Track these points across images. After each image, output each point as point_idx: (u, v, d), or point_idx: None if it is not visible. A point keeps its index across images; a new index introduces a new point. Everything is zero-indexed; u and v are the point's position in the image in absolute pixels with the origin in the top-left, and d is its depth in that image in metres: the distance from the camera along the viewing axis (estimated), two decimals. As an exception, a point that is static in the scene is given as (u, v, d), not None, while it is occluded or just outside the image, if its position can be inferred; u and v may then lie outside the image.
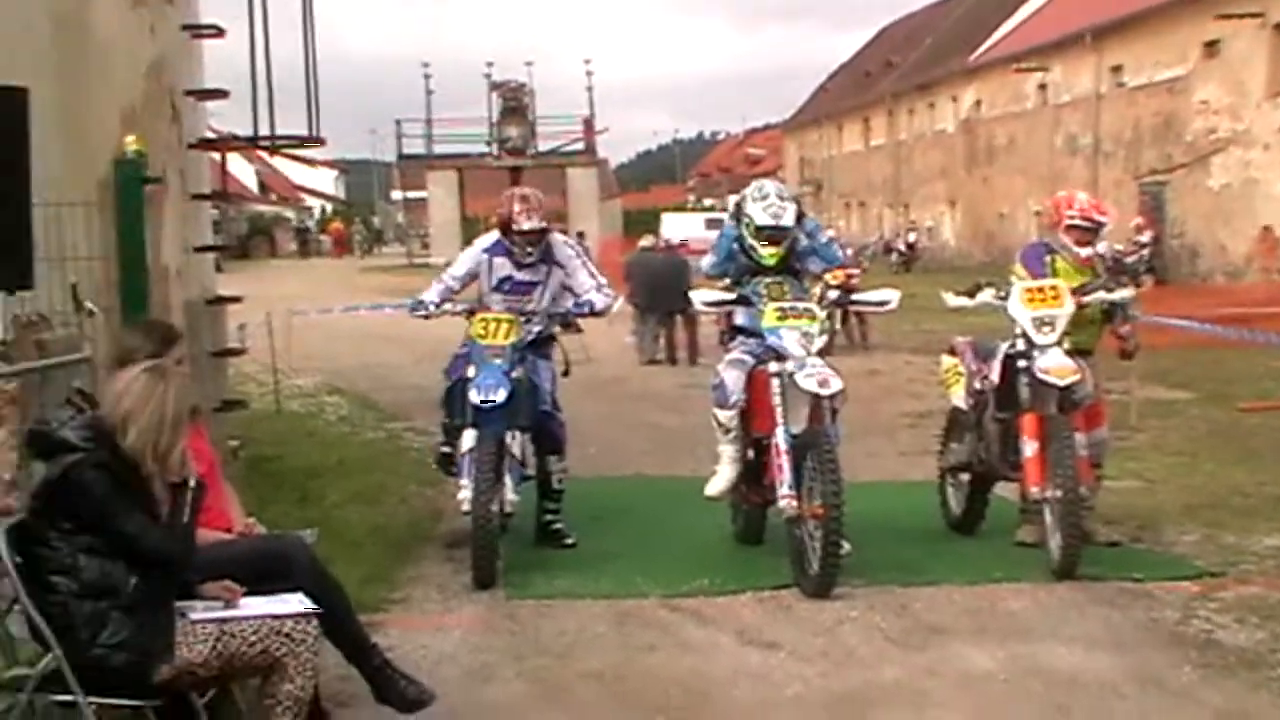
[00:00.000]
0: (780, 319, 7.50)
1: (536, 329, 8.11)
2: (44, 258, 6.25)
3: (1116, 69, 39.13)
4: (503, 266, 8.17)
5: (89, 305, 7.04)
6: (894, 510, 9.17)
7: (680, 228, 47.93)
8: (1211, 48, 33.67)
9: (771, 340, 7.49)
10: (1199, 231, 34.06)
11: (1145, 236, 31.63)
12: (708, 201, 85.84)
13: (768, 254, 7.76)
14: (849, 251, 22.32)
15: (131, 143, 7.92)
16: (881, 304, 8.14)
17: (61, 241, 6.91)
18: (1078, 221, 8.15)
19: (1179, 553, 8.00)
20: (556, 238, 8.43)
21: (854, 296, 8.07)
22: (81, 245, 7.20)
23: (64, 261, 6.96)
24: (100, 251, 7.52)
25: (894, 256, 48.60)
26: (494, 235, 8.30)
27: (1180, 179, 35.03)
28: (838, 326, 8.14)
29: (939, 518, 8.77)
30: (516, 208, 8.09)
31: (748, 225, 7.77)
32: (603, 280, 8.35)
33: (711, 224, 56.87)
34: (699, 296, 7.95)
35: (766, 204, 7.77)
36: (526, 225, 8.05)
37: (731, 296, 7.77)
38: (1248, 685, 5.64)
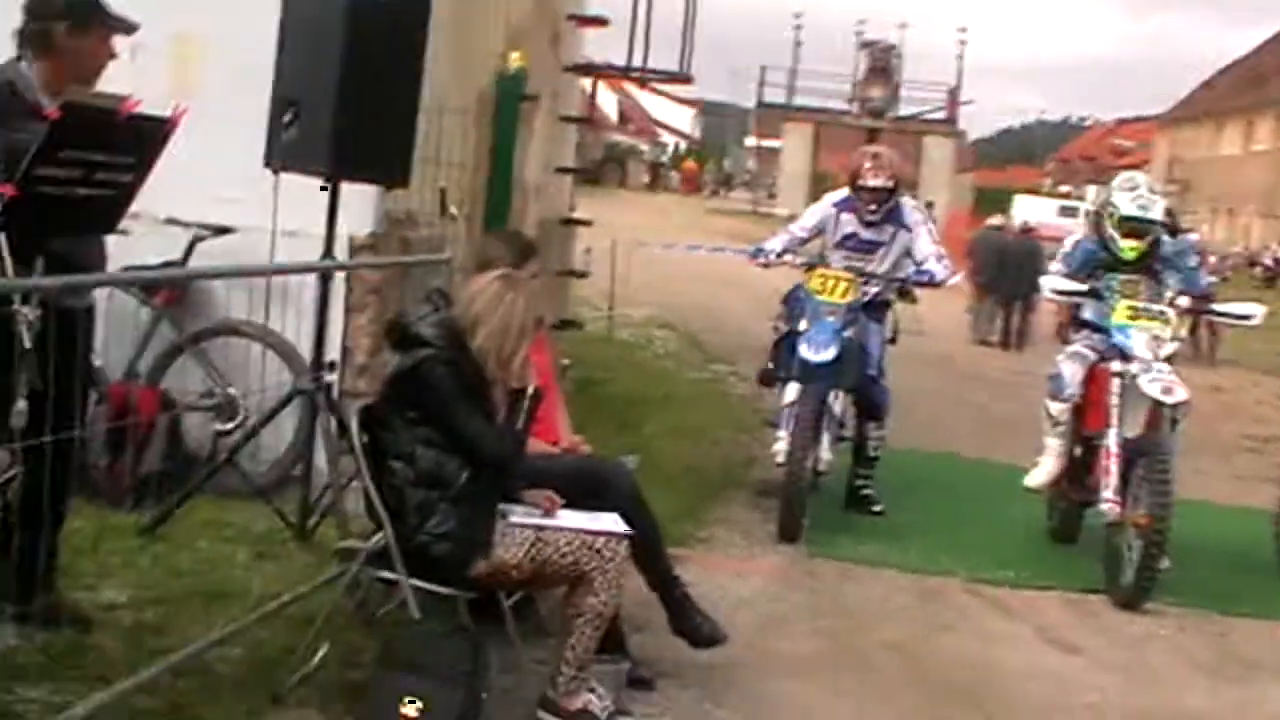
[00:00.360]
0: (1132, 317, 7.23)
1: (874, 291, 8.04)
2: (420, 159, 6.56)
3: None
4: (849, 223, 8.13)
5: (453, 209, 7.37)
6: (1221, 534, 8.73)
7: (1032, 211, 46.56)
8: None
9: (1118, 338, 7.23)
10: None
11: None
12: (1064, 188, 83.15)
13: (1127, 246, 7.46)
14: (1212, 259, 21.31)
15: (516, 59, 8.20)
16: (1244, 318, 7.73)
17: (438, 146, 7.24)
18: None
19: None
20: (906, 200, 8.34)
21: (1214, 306, 7.69)
22: (455, 151, 7.52)
23: (437, 165, 7.29)
24: (472, 160, 7.84)
25: (1258, 270, 46.00)
26: (844, 191, 8.28)
27: None
28: (1184, 334, 7.78)
29: (1271, 550, 8.30)
30: (867, 164, 8.04)
31: (1110, 215, 7.50)
32: (944, 251, 8.21)
33: (1065, 211, 55.13)
34: (1049, 283, 7.71)
35: (1135, 194, 7.50)
36: (873, 182, 7.99)
37: (1084, 287, 7.51)
38: None
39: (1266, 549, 8.30)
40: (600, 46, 12.50)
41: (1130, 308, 7.27)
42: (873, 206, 8.02)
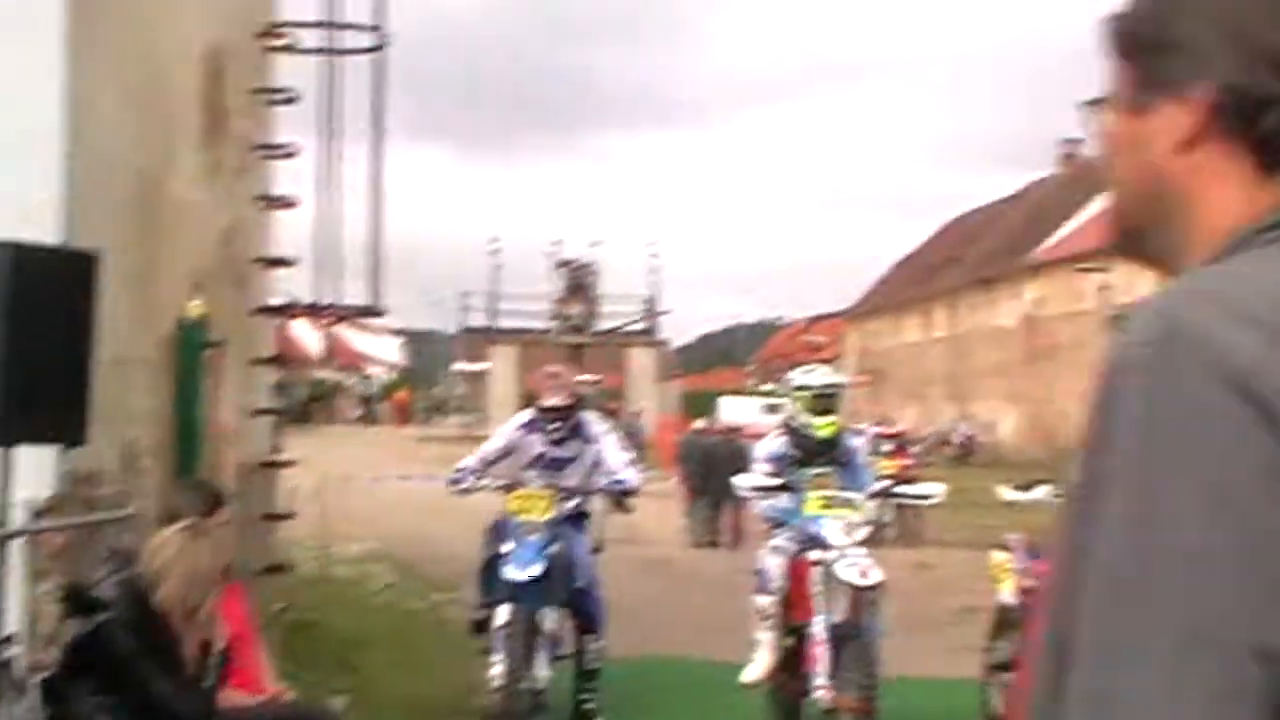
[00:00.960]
0: (824, 507, 7.52)
1: (573, 503, 8.16)
2: (101, 414, 6.38)
3: (1178, 273, 39.31)
4: (537, 443, 8.30)
5: (141, 462, 7.17)
6: (933, 708, 9.02)
7: (738, 411, 48.05)
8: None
9: (813, 528, 7.49)
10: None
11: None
12: (767, 387, 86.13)
13: (822, 424, 7.84)
14: (914, 450, 22.42)
15: (195, 306, 8.13)
16: (925, 497, 8.14)
17: (120, 398, 7.06)
18: None
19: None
20: (588, 415, 8.55)
21: (898, 489, 8.08)
22: (139, 403, 7.35)
23: (120, 419, 7.10)
24: (157, 410, 7.67)
25: (949, 450, 48.40)
26: (530, 412, 8.47)
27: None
28: (887, 518, 8.11)
29: (979, 718, 8.59)
30: (546, 384, 8.28)
31: (799, 400, 7.85)
32: (632, 457, 8.45)
33: (770, 409, 57.13)
34: (744, 480, 7.98)
35: (817, 371, 8.20)
36: (552, 401, 8.20)
37: (777, 482, 7.79)
38: None
39: (974, 716, 8.58)
40: (298, 284, 12.53)
41: (822, 498, 7.57)
42: (556, 424, 8.20)
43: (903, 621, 12.85)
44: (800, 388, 7.90)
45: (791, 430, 7.95)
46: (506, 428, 8.62)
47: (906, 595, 15.19)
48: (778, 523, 7.84)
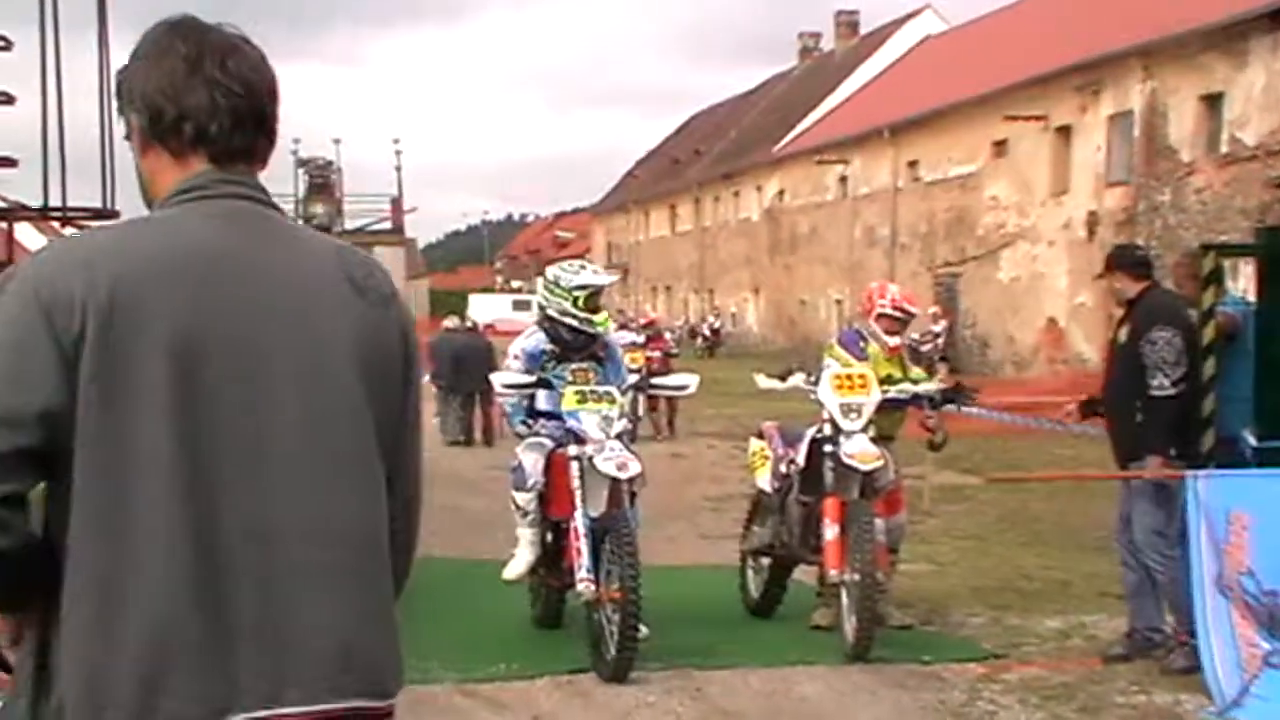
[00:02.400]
0: (580, 402, 7.51)
1: None
2: None
3: (913, 164, 40.60)
4: None
5: None
6: (693, 594, 9.20)
7: (488, 309, 47.94)
8: (1000, 147, 35.20)
9: (571, 423, 7.49)
10: (989, 323, 35.34)
11: (939, 326, 32.70)
12: (515, 283, 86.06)
13: (601, 319, 7.84)
14: (668, 335, 22.63)
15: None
16: (680, 388, 8.22)
17: None
18: (889, 311, 8.45)
19: (966, 635, 8.18)
20: None
21: (654, 380, 8.12)
22: None
23: None
24: None
25: (699, 341, 49.30)
26: None
27: (972, 271, 36.36)
28: (641, 414, 8.14)
29: (738, 601, 8.82)
30: None
31: (576, 299, 7.76)
32: None
33: (519, 305, 57.07)
34: (499, 379, 7.91)
35: (590, 269, 8.06)
36: None
37: (532, 379, 7.75)
38: (1030, 766, 5.77)
39: (734, 600, 8.81)
40: (21, 187, 11.84)
41: (578, 393, 7.56)
42: None
43: (657, 511, 13.10)
44: (577, 287, 7.79)
45: (551, 325, 7.87)
46: None
47: (661, 485, 15.45)
48: (549, 415, 7.79)
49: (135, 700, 1.97)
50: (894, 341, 8.49)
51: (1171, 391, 6.99)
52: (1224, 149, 26.53)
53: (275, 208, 2.24)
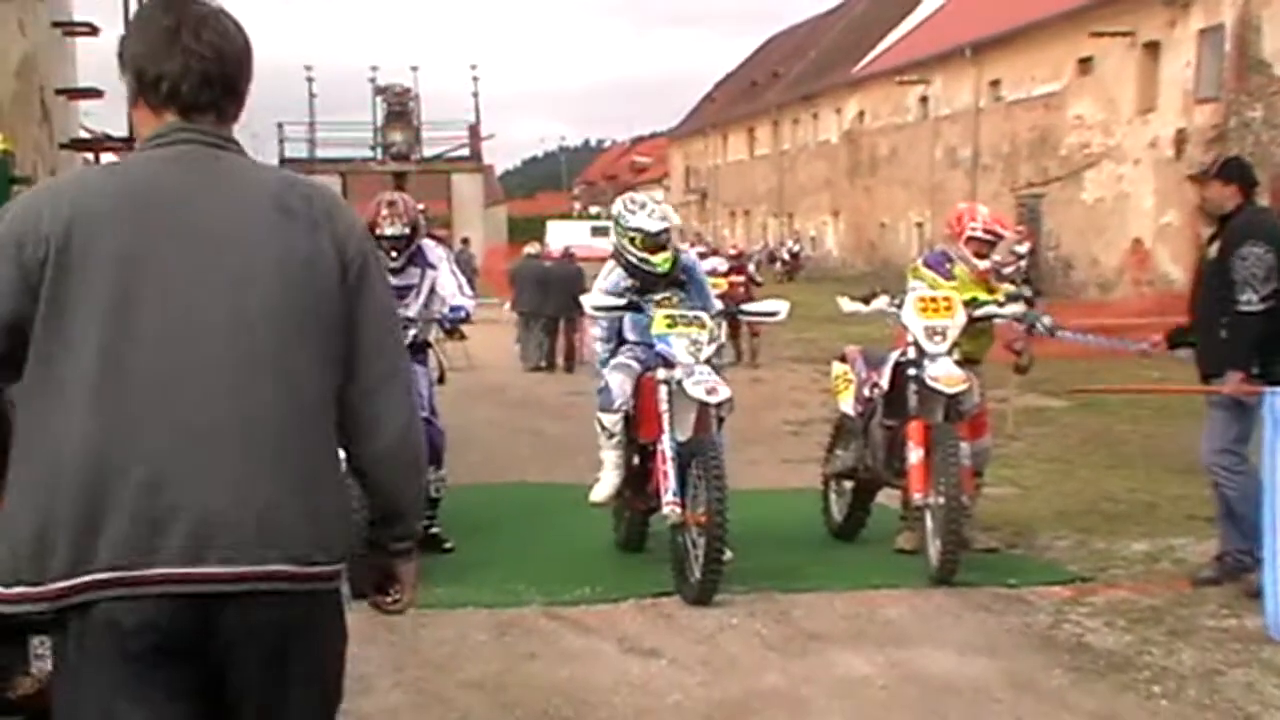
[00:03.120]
0: (669, 326, 7.50)
1: (411, 334, 7.99)
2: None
3: (995, 83, 39.89)
4: None
5: None
6: (777, 517, 9.22)
7: (566, 235, 47.92)
8: (1085, 64, 34.47)
9: (660, 346, 7.49)
10: (1073, 244, 34.81)
11: (1023, 248, 32.27)
12: (594, 209, 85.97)
13: (660, 260, 7.73)
14: (751, 267, 22.41)
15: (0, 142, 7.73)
16: (771, 314, 8.19)
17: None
18: (980, 234, 8.34)
19: (1052, 558, 8.14)
20: (427, 242, 8.34)
21: (743, 307, 8.08)
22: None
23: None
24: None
25: (778, 266, 49.06)
26: None
27: (1055, 192, 35.79)
28: (723, 339, 8.11)
29: (821, 525, 8.83)
30: (383, 212, 8.01)
31: (633, 239, 7.73)
32: (464, 281, 8.27)
33: (597, 232, 56.99)
34: (590, 300, 7.91)
35: (648, 211, 7.79)
36: (390, 231, 7.96)
37: (622, 301, 7.74)
38: (1116, 687, 5.74)
39: (817, 524, 8.82)
40: (104, 119, 11.97)
41: (667, 317, 7.54)
42: (394, 254, 7.98)
43: (739, 436, 13.13)
44: (633, 229, 7.73)
45: (626, 263, 7.84)
46: None
47: (742, 410, 15.47)
48: (637, 340, 7.79)
49: (73, 549, 2.39)
50: (983, 265, 8.38)
51: (1260, 308, 6.86)
52: (1318, 63, 25.83)
53: (231, 150, 2.62)
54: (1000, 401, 13.21)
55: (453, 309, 8.06)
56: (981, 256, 8.36)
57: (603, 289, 7.90)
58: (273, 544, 2.49)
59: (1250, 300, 6.85)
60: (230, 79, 2.62)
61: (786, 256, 50.54)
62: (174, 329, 2.45)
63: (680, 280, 7.84)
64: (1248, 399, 6.86)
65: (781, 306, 8.14)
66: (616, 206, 8.04)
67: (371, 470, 2.74)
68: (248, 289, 2.50)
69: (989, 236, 8.37)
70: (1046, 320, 8.44)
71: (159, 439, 2.42)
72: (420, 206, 34.74)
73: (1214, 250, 7.14)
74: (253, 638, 2.50)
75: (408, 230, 8.04)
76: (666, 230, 7.76)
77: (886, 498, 8.61)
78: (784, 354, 22.02)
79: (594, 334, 8.30)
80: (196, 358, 2.45)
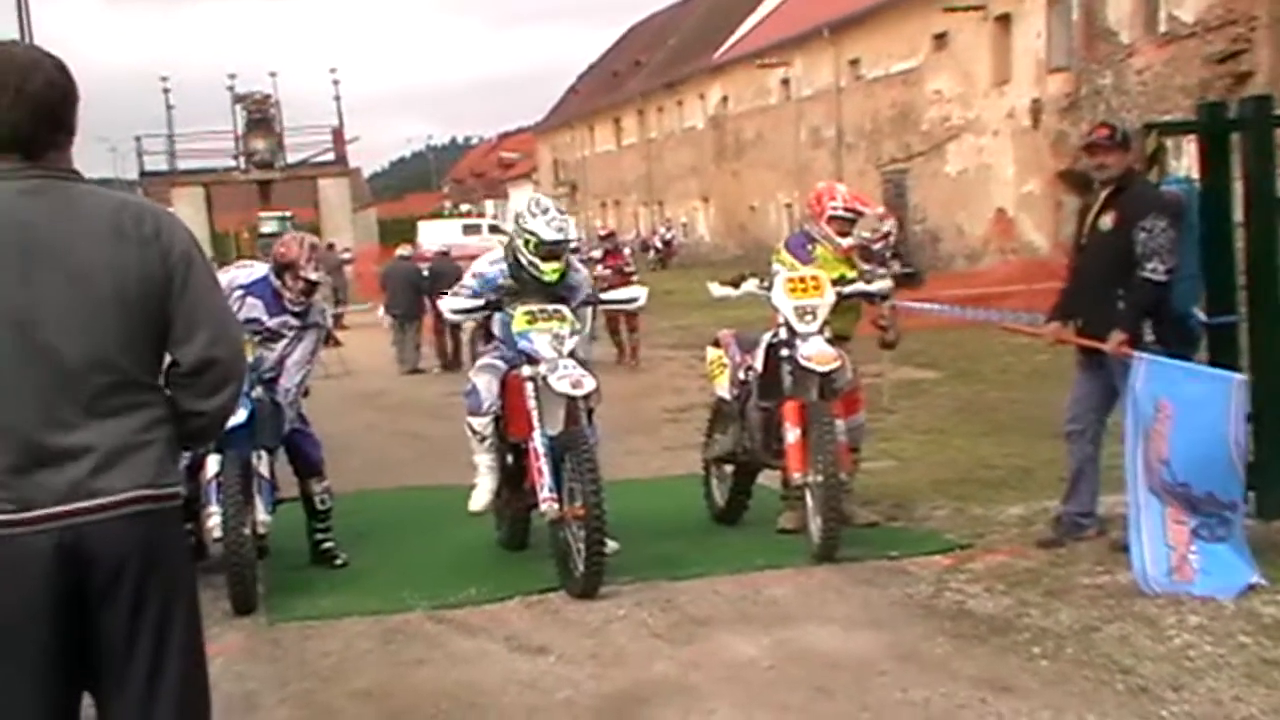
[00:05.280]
0: (530, 322, 7.45)
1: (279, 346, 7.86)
2: None
3: (854, 62, 40.40)
4: (255, 308, 7.82)
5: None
6: (659, 506, 9.26)
7: (438, 235, 47.59)
8: (940, 40, 35.05)
9: (522, 344, 7.43)
10: (939, 216, 35.40)
11: (888, 224, 32.64)
12: (464, 207, 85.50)
13: (549, 269, 7.58)
14: (626, 251, 22.06)
15: None
16: (630, 301, 8.20)
17: None
18: (840, 212, 8.45)
19: (931, 528, 8.26)
20: (319, 302, 8.16)
21: (603, 296, 8.05)
22: None
23: None
24: None
25: (651, 254, 49.21)
26: (259, 272, 7.98)
27: (919, 166, 36.37)
28: (596, 335, 8.13)
29: (703, 510, 8.88)
30: (306, 255, 7.80)
31: (528, 242, 7.60)
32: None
33: (469, 230, 56.68)
34: (448, 305, 7.85)
35: (549, 218, 7.60)
36: (313, 276, 7.81)
37: (480, 303, 7.69)
38: (997, 651, 5.84)
39: (700, 510, 8.87)
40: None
41: (527, 314, 7.48)
42: (302, 299, 7.83)
43: (618, 425, 13.14)
44: (530, 231, 7.60)
45: (514, 262, 7.71)
46: (223, 280, 7.84)
47: (621, 399, 15.48)
48: (501, 338, 7.71)
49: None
50: (846, 242, 8.48)
51: (1165, 278, 7.00)
52: (1162, 28, 26.51)
53: (73, 180, 3.20)
54: (875, 376, 13.40)
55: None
56: (844, 234, 8.46)
57: (478, 272, 7.81)
58: (126, 475, 3.17)
59: (1157, 269, 6.98)
60: (59, 118, 3.19)
61: (659, 245, 50.73)
62: (26, 314, 3.09)
63: (561, 296, 7.68)
64: (1116, 366, 7.01)
65: (640, 293, 8.15)
66: (522, 203, 7.97)
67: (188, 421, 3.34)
68: (79, 289, 3.11)
69: (849, 214, 8.48)
70: (877, 285, 8.45)
71: (29, 402, 3.10)
72: (288, 213, 34.30)
73: (1107, 221, 7.23)
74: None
75: (325, 278, 7.94)
76: (562, 242, 7.64)
77: (768, 479, 8.67)
78: (661, 341, 22.08)
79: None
80: (44, 337, 3.09)
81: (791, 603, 6.81)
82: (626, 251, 21.85)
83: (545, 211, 7.68)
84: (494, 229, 50.41)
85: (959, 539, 7.85)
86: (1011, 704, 5.19)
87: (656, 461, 11.35)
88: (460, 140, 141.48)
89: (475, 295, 7.74)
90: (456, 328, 19.86)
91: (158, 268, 3.19)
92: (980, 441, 11.33)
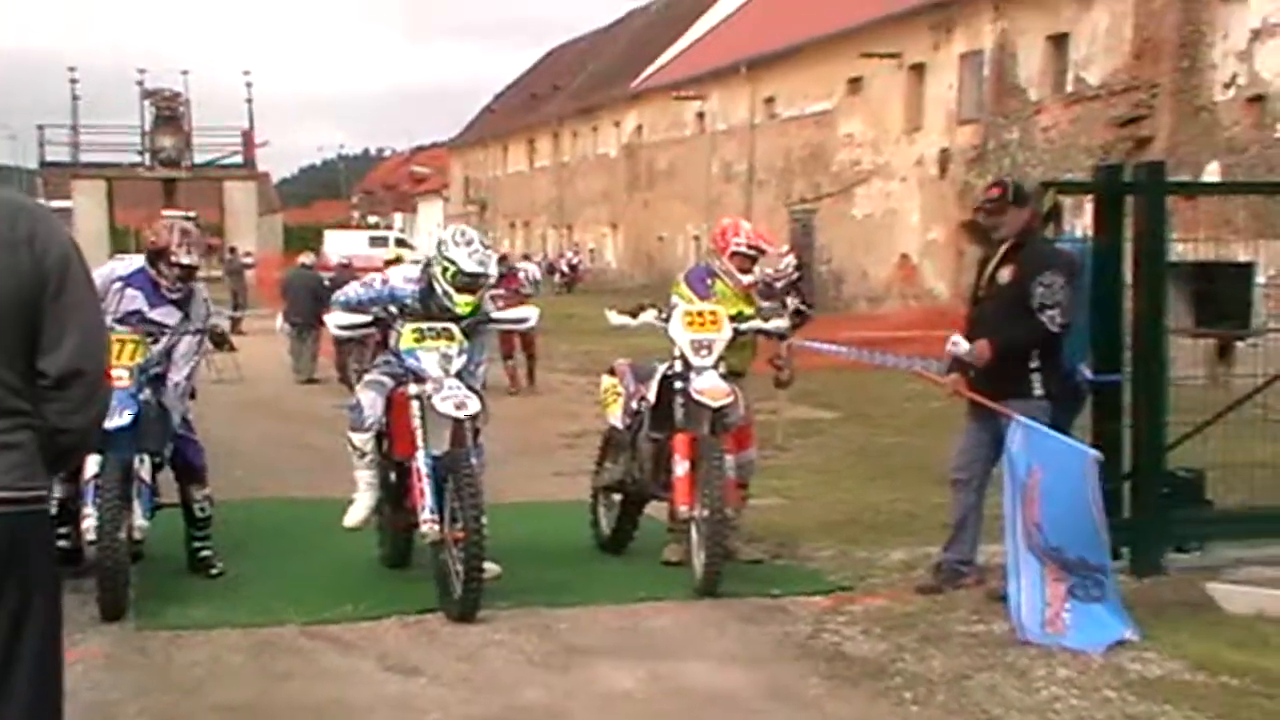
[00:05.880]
0: (418, 340, 7.37)
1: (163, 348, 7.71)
2: None
3: (770, 100, 40.73)
4: (135, 299, 7.69)
5: None
6: (546, 531, 9.21)
7: (344, 245, 47.22)
8: (855, 84, 35.45)
9: (410, 362, 7.36)
10: (844, 259, 35.73)
11: (785, 263, 33.06)
12: (372, 219, 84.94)
13: (463, 302, 7.47)
14: (522, 275, 21.59)
15: None
16: (520, 321, 8.17)
17: None
18: (743, 249, 8.48)
19: (814, 568, 8.29)
20: (201, 289, 8.03)
21: (493, 315, 7.96)
22: None
23: None
24: None
25: (557, 277, 49.15)
26: (136, 263, 7.85)
27: (827, 208, 36.70)
28: (485, 356, 8.09)
29: (590, 538, 8.84)
30: (178, 241, 7.66)
31: (446, 270, 7.46)
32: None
33: (375, 242, 56.26)
34: (334, 320, 7.75)
35: (471, 249, 7.47)
36: (185, 260, 7.67)
37: (367, 319, 7.61)
38: (869, 694, 5.87)
39: (586, 537, 8.83)
40: None
41: (415, 331, 7.40)
42: (179, 285, 7.70)
43: (512, 448, 13.07)
44: (449, 260, 7.45)
45: (429, 287, 7.54)
46: (101, 273, 7.47)
47: (516, 422, 15.42)
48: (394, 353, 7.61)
49: None
50: (746, 279, 8.52)
51: (1058, 330, 7.12)
52: (1069, 88, 27.06)
53: None
54: (770, 413, 13.46)
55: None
56: (745, 271, 8.50)
57: (393, 279, 7.71)
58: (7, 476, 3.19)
59: (1054, 319, 7.09)
60: None
61: (566, 269, 50.67)
62: None
63: (466, 332, 7.55)
64: (1005, 420, 7.08)
65: (531, 313, 8.11)
66: (448, 231, 7.85)
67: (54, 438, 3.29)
68: None
69: (752, 251, 8.52)
70: (774, 324, 8.50)
71: None
72: (192, 214, 33.85)
73: (1005, 274, 7.32)
74: None
75: (199, 261, 7.80)
76: (482, 276, 7.53)
77: (656, 510, 8.66)
78: (561, 366, 22.04)
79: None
80: None
81: (670, 636, 6.80)
82: (522, 275, 21.36)
83: (470, 243, 7.54)
84: (400, 242, 50.03)
85: (841, 580, 7.89)
86: (879, 748, 5.22)
87: (547, 486, 11.30)
88: (373, 151, 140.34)
89: (366, 305, 7.65)
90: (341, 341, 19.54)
91: (31, 272, 3.17)
92: (870, 485, 11.41)
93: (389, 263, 23.04)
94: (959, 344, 7.42)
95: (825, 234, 36.75)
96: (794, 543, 8.91)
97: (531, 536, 8.69)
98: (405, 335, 7.41)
